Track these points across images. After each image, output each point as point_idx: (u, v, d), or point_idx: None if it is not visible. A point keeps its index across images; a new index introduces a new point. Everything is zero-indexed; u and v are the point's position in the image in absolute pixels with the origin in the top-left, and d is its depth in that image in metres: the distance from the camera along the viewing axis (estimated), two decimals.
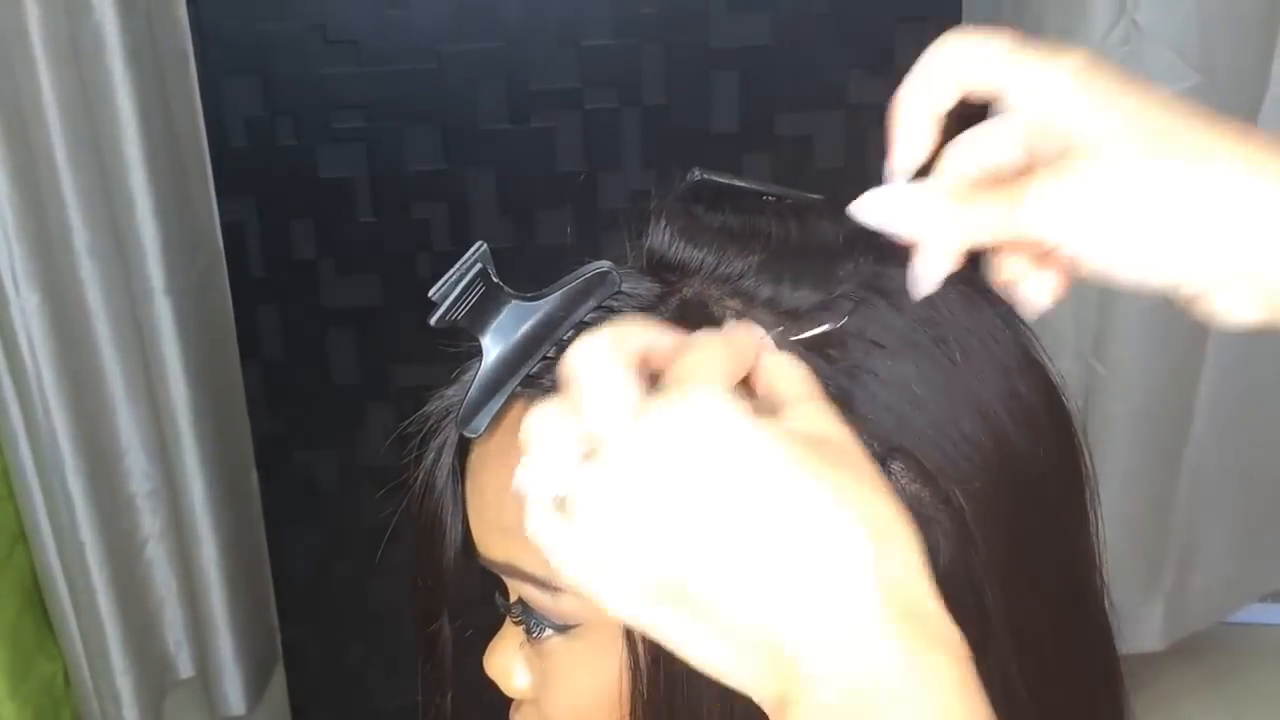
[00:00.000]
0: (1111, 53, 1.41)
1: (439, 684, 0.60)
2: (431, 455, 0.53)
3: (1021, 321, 0.50)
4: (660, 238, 0.50)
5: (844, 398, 0.45)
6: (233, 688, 1.75)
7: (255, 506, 1.60)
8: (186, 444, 1.61)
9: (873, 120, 1.58)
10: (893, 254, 0.48)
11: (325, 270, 1.41)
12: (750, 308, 0.47)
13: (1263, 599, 1.93)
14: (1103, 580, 0.53)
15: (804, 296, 0.47)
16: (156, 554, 1.73)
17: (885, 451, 0.45)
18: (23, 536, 1.62)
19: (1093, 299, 1.54)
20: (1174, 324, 1.59)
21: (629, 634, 0.46)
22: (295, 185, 1.37)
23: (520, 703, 0.55)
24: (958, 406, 0.46)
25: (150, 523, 1.71)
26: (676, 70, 1.33)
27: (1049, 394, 0.50)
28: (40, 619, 1.67)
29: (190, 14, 1.32)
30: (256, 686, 1.79)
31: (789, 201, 0.53)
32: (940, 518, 0.46)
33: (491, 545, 0.51)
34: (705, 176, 0.52)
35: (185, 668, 1.81)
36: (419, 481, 0.53)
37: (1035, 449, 0.48)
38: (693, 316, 0.47)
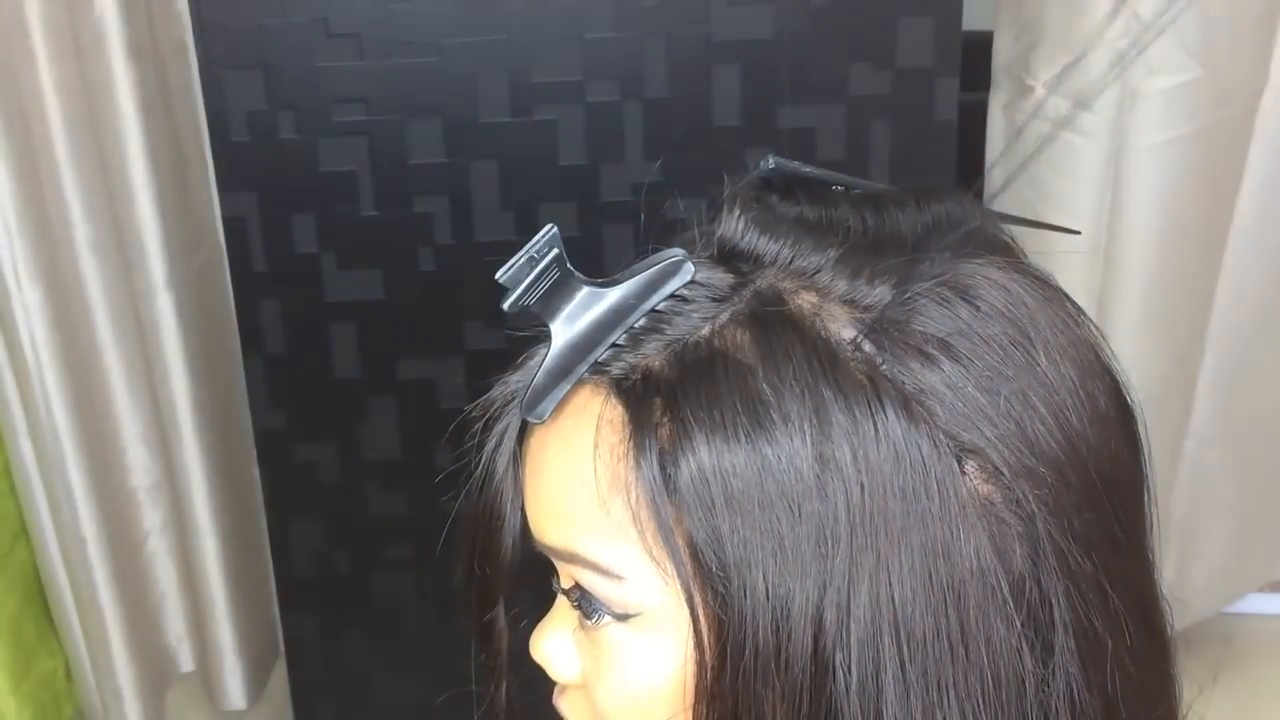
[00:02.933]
0: (1112, 45, 1.41)
1: (495, 674, 0.59)
2: (493, 442, 0.52)
3: (1090, 321, 0.50)
4: (734, 226, 0.49)
5: (919, 397, 0.45)
6: (234, 682, 1.75)
7: (256, 501, 1.60)
8: (187, 438, 1.61)
9: (874, 113, 1.59)
10: (970, 248, 0.48)
11: (327, 264, 1.41)
12: (826, 302, 0.47)
13: (1262, 589, 1.94)
14: (1158, 585, 0.52)
15: (882, 293, 0.46)
16: (158, 548, 1.73)
17: (959, 451, 0.45)
18: (24, 532, 1.62)
19: (1093, 292, 1.54)
20: (1173, 317, 1.60)
21: (696, 626, 0.46)
22: (297, 179, 1.37)
23: (565, 688, 0.54)
24: (1033, 408, 0.46)
25: (151, 517, 1.71)
26: (678, 63, 1.34)
27: (1118, 395, 0.50)
28: (41, 614, 1.67)
29: (191, 7, 1.32)
30: (258, 681, 1.79)
31: (860, 192, 0.52)
32: (1012, 520, 0.45)
33: (550, 531, 0.50)
34: (778, 163, 0.51)
35: (186, 662, 1.81)
36: (480, 468, 0.52)
37: (1105, 451, 0.48)
38: (768, 308, 0.46)
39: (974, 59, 1.44)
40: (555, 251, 0.47)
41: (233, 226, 1.39)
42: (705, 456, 0.44)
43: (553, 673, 0.54)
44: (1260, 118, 1.54)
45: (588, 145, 1.37)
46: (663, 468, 0.45)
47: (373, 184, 1.37)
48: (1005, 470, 0.45)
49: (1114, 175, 1.47)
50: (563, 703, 0.54)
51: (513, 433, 0.51)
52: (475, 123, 1.35)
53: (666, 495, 0.45)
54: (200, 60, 1.32)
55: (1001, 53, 1.50)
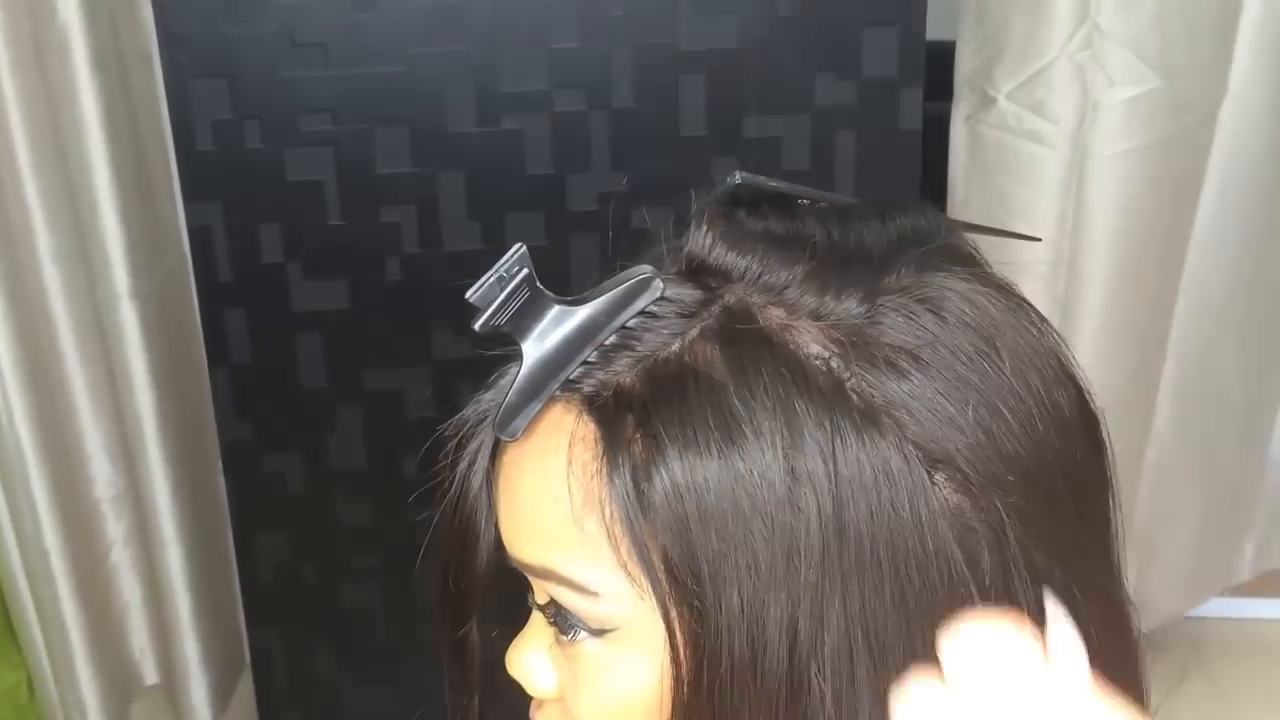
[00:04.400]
0: (1074, 56, 1.42)
1: (467, 688, 0.59)
2: (466, 460, 0.52)
3: (1054, 330, 0.51)
4: (702, 242, 0.49)
5: (888, 410, 0.45)
6: (199, 694, 1.74)
7: (222, 511, 1.59)
8: (152, 449, 1.60)
9: (839, 122, 1.60)
10: (935, 260, 0.49)
11: (293, 274, 1.40)
12: (794, 317, 0.47)
13: (1224, 593, 1.96)
14: (1125, 590, 0.53)
15: (849, 307, 0.47)
16: (121, 560, 1.71)
17: (929, 462, 0.45)
18: None
19: (1056, 300, 1.55)
20: (1135, 324, 1.61)
21: (673, 640, 0.46)
22: (262, 188, 1.36)
23: (543, 703, 0.54)
24: (1000, 416, 0.46)
25: (115, 528, 1.69)
26: (644, 73, 1.34)
27: (1082, 403, 0.50)
28: (3, 626, 1.66)
29: (156, 16, 1.31)
30: (223, 693, 1.78)
31: (826, 205, 0.52)
32: (981, 529, 0.46)
33: (525, 548, 0.50)
34: (745, 179, 0.51)
35: (151, 675, 1.80)
36: (454, 486, 0.53)
37: (1071, 458, 0.48)
38: (737, 324, 0.47)
39: (938, 70, 1.45)
40: (525, 271, 0.47)
41: (198, 236, 1.39)
42: (678, 472, 0.44)
43: (530, 688, 0.54)
44: (1220, 127, 1.56)
45: (554, 155, 1.37)
46: (636, 484, 0.45)
47: (339, 193, 1.37)
48: (974, 479, 0.45)
49: (1076, 185, 1.49)
50: (539, 717, 0.54)
51: (486, 450, 0.52)
52: (442, 132, 1.35)
53: (640, 511, 0.45)
54: (165, 69, 1.32)
55: (964, 64, 1.51)
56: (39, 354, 1.53)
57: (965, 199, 1.55)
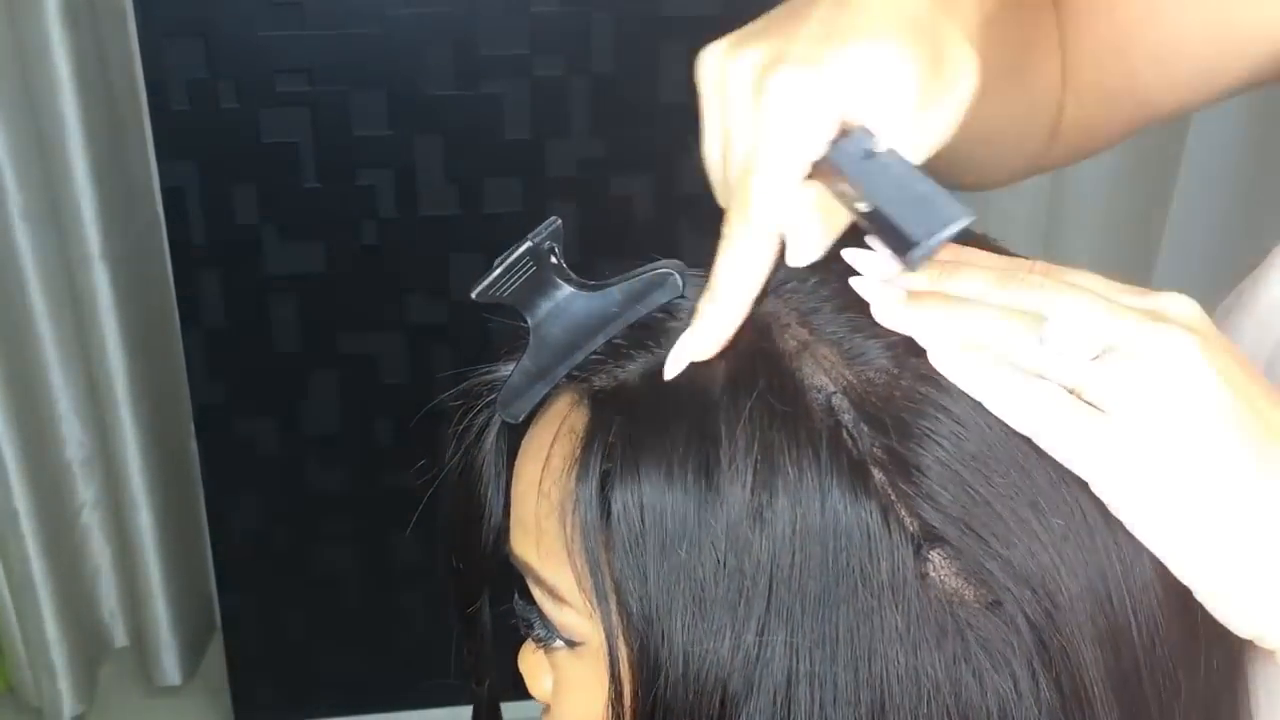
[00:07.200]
0: None
1: (478, 671, 0.56)
2: (473, 434, 0.49)
3: None
4: None
5: (884, 464, 0.40)
6: (169, 658, 1.73)
7: (194, 474, 1.59)
8: (123, 411, 1.59)
9: None
10: None
11: (267, 236, 1.39)
12: (816, 342, 0.43)
13: None
14: None
15: (875, 354, 0.42)
16: (91, 522, 1.70)
17: (924, 534, 0.40)
18: None
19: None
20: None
21: (614, 666, 0.43)
22: (237, 149, 1.35)
23: (548, 707, 0.51)
24: (1041, 516, 0.40)
25: (85, 491, 1.68)
26: (626, 38, 1.33)
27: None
28: None
29: None
30: (193, 657, 1.77)
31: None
32: (988, 627, 0.40)
33: (515, 539, 0.48)
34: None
35: (120, 638, 1.79)
36: (456, 460, 0.50)
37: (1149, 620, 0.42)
38: (749, 339, 0.43)
39: None
40: (528, 244, 0.44)
41: (172, 197, 1.37)
42: (645, 486, 0.42)
43: (531, 689, 0.51)
44: (1189, 134, 1.57)
45: (533, 120, 1.36)
46: (602, 488, 0.42)
47: (315, 155, 1.35)
48: (985, 570, 0.40)
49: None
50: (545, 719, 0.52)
51: (495, 427, 0.49)
52: (420, 95, 1.34)
53: (600, 517, 0.42)
54: (139, 26, 1.30)
55: None
56: (8, 314, 1.52)
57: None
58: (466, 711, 0.57)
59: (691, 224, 1.32)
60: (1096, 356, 0.39)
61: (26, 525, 1.57)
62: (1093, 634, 0.41)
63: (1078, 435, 0.39)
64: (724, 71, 0.43)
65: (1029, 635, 0.40)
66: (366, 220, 1.39)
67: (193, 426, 1.51)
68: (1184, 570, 0.40)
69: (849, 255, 0.43)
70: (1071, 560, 0.40)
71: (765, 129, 0.41)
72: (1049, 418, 0.39)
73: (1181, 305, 0.41)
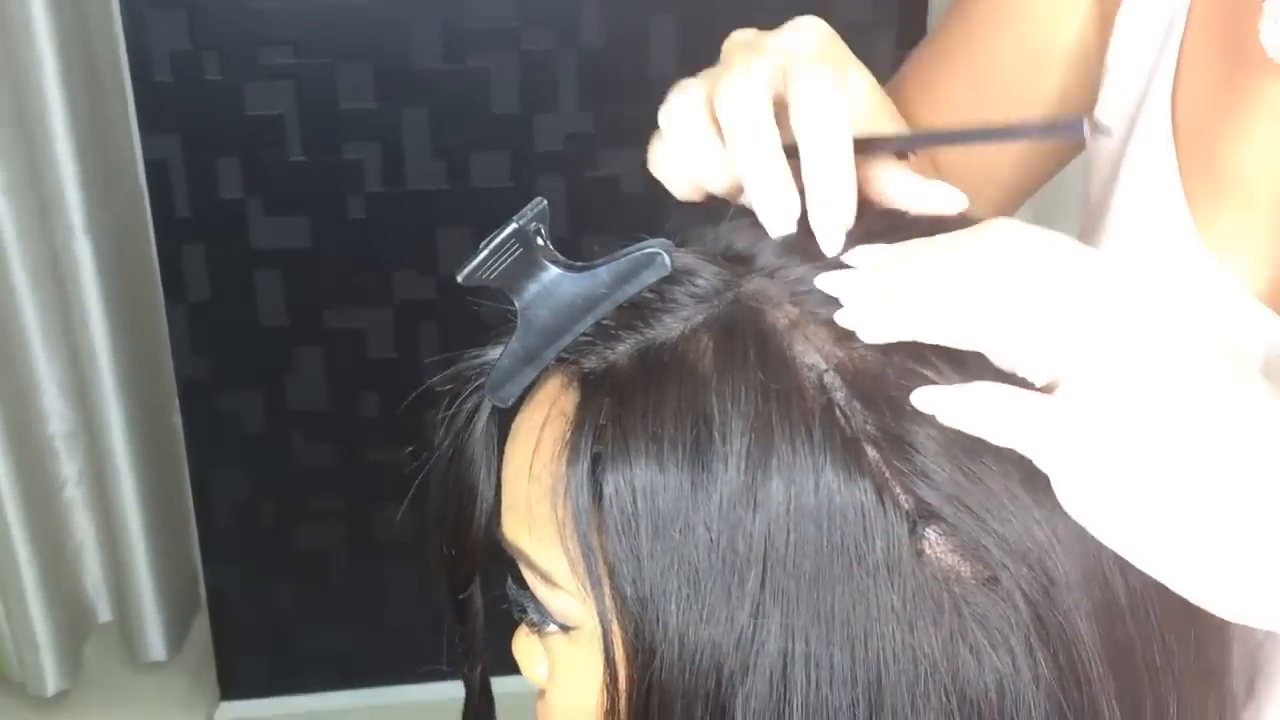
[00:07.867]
0: None
1: (469, 656, 0.55)
2: (462, 418, 0.48)
3: None
4: (736, 221, 0.46)
5: (877, 440, 0.40)
6: (154, 633, 1.73)
7: (178, 449, 1.58)
8: (107, 385, 1.58)
9: None
10: None
11: (253, 210, 1.38)
12: (807, 320, 0.42)
13: None
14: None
15: None
16: (75, 497, 1.70)
17: (920, 512, 0.40)
18: None
19: None
20: None
21: (608, 650, 0.43)
22: (222, 122, 1.34)
23: (542, 692, 0.51)
24: (1036, 490, 0.40)
25: (69, 466, 1.68)
26: (615, 12, 1.32)
27: None
28: None
29: None
30: (178, 632, 1.77)
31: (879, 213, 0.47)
32: (985, 604, 0.40)
33: (506, 524, 0.47)
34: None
35: (105, 613, 1.79)
36: (445, 444, 0.49)
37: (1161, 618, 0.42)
38: (740, 316, 0.42)
39: (912, 14, 1.44)
40: (514, 225, 0.44)
41: (155, 170, 1.37)
42: (638, 468, 0.41)
43: (526, 674, 0.51)
44: None
45: (521, 94, 1.35)
46: (594, 471, 0.42)
47: (300, 129, 1.35)
48: (987, 549, 0.40)
49: None
50: (538, 706, 0.51)
51: (485, 411, 0.48)
52: (407, 68, 1.33)
53: (592, 501, 0.42)
54: None
55: (939, 8, 1.50)
56: None
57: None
58: (454, 687, 0.57)
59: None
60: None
61: (9, 500, 1.56)
62: (1088, 609, 0.40)
63: (1023, 419, 0.38)
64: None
65: (1026, 611, 0.40)
66: (352, 194, 1.38)
67: (177, 401, 1.51)
68: (1149, 561, 0.39)
69: (846, 256, 0.43)
70: (1066, 536, 0.40)
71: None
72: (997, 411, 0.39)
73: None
